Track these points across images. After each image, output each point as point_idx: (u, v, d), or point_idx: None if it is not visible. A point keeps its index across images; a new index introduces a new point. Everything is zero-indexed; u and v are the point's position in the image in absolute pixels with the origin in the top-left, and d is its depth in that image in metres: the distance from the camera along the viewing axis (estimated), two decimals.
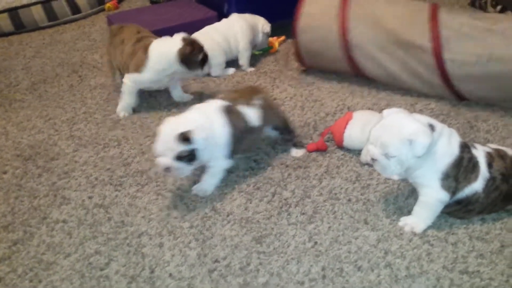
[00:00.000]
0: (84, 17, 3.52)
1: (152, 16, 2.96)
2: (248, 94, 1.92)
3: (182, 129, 1.64)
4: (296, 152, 1.97)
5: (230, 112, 1.80)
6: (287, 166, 1.90)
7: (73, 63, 2.87)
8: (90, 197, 1.80)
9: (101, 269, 1.50)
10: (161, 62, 2.16)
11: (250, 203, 1.72)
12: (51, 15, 3.40)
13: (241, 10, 2.76)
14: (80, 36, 3.24)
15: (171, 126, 1.67)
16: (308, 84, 2.47)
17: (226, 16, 2.75)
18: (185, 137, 1.63)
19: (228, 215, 1.68)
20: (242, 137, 1.81)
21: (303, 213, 1.67)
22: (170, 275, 1.46)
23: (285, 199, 1.73)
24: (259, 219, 1.65)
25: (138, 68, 2.19)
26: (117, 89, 2.38)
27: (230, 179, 1.84)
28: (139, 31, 2.34)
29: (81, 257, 1.54)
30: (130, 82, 2.24)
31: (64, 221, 1.70)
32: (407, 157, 1.45)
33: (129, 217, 1.69)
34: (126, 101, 2.29)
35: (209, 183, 1.80)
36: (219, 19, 2.77)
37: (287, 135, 2.00)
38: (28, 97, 2.55)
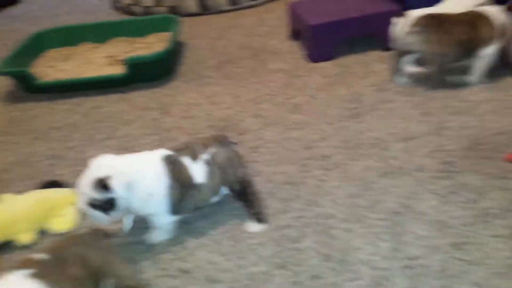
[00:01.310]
0: (262, 4, 3.74)
1: (334, 5, 2.97)
2: (203, 143, 1.64)
3: (103, 173, 1.48)
4: (253, 226, 1.66)
5: (173, 163, 1.60)
6: (485, 173, 1.80)
7: (254, 47, 3.07)
8: (278, 173, 1.93)
9: (294, 242, 1.60)
10: None
11: (444, 206, 1.69)
12: (233, 0, 3.68)
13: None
14: (259, 22, 3.45)
15: (95, 166, 1.51)
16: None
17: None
18: (102, 184, 1.47)
19: (419, 214, 1.66)
20: (184, 194, 1.61)
21: (507, 227, 1.58)
22: (363, 262, 1.50)
23: (484, 209, 1.66)
24: (455, 224, 1.61)
25: None
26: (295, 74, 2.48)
27: (420, 179, 1.81)
28: None
29: (276, 227, 1.67)
30: None
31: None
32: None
33: (317, 198, 1.78)
34: None
35: (157, 235, 1.68)
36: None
37: (246, 202, 1.68)
38: (215, 75, 2.80)
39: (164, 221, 1.64)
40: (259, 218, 1.67)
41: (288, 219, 1.70)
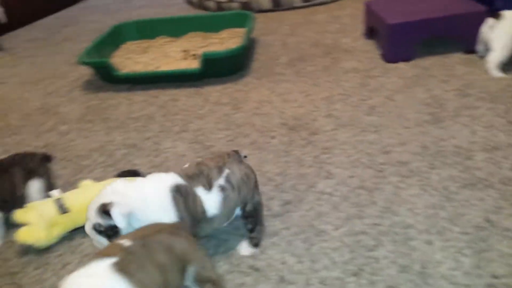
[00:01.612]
0: (335, 1, 3.67)
1: (413, 4, 2.87)
2: (217, 166, 1.53)
3: (106, 199, 1.46)
4: (246, 250, 1.61)
5: (184, 196, 1.49)
6: None
7: (326, 45, 3.03)
8: (351, 176, 1.89)
9: (370, 250, 1.56)
10: None
11: None
12: None
13: None
14: (331, 19, 3.39)
15: (105, 192, 1.49)
16: None
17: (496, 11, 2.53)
18: (104, 210, 1.46)
19: (505, 230, 1.56)
20: (195, 226, 1.52)
21: None
22: (443, 276, 1.43)
23: None
24: None
25: None
26: (370, 74, 2.41)
27: (506, 192, 1.70)
28: None
29: (350, 233, 1.63)
30: None
31: (330, 194, 1.81)
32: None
33: (394, 206, 1.72)
34: None
35: None
36: (487, 15, 2.57)
37: (251, 224, 1.60)
38: (287, 72, 2.78)
39: None
40: (256, 243, 1.62)
41: (363, 225, 1.66)
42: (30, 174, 1.88)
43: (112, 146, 2.32)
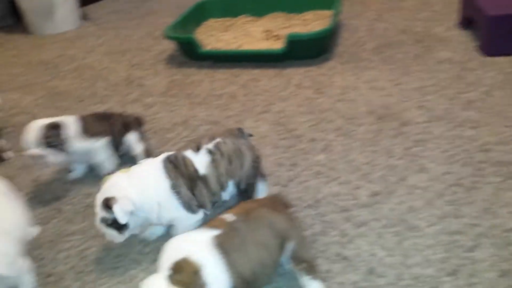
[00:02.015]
0: None
1: None
2: (210, 136, 1.60)
3: (109, 193, 1.47)
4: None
5: (173, 161, 1.54)
6: None
7: (416, 32, 2.88)
8: (447, 173, 1.78)
9: (467, 251, 1.47)
10: None
11: None
12: None
13: None
14: (422, 6, 3.22)
15: (107, 184, 1.50)
16: None
17: None
18: (107, 204, 1.46)
19: None
20: (193, 188, 1.53)
21: None
22: None
23: None
24: None
25: None
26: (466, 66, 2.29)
27: None
28: None
29: (445, 231, 1.54)
30: None
31: (423, 189, 1.73)
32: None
33: (494, 207, 1.61)
34: None
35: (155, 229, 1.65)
36: None
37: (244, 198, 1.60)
38: (374, 58, 2.68)
39: (188, 223, 1.57)
40: None
41: (460, 225, 1.56)
42: (127, 127, 2.06)
43: (195, 122, 2.35)
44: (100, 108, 2.54)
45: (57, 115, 2.50)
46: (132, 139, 2.04)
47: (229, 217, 1.30)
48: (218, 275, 1.21)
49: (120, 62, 3.10)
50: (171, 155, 1.57)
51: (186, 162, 1.55)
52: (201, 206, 1.57)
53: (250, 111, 2.37)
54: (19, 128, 2.49)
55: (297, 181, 1.85)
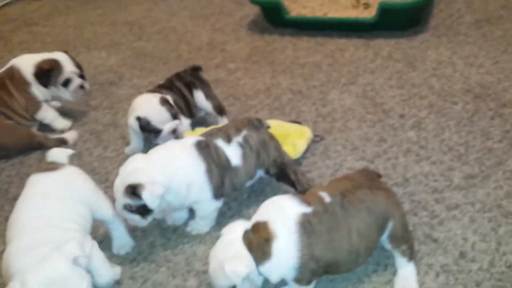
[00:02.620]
0: None
1: None
2: (236, 127, 1.61)
3: (133, 180, 1.42)
4: None
5: (207, 147, 1.54)
6: None
7: None
8: None
9: None
10: None
11: None
12: None
13: None
14: None
15: (126, 170, 1.46)
16: None
17: None
18: (132, 192, 1.42)
19: None
20: (224, 176, 1.54)
21: None
22: None
23: None
24: None
25: None
26: None
27: None
28: None
29: None
30: None
31: None
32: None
33: None
34: None
35: (201, 224, 1.62)
36: None
37: (290, 182, 1.63)
38: (471, 33, 2.49)
39: (209, 208, 1.57)
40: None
41: None
42: (190, 86, 2.09)
43: (278, 90, 2.33)
44: None
45: (143, 77, 2.61)
46: (199, 98, 2.06)
47: (325, 196, 1.27)
48: (287, 252, 1.21)
49: (203, 27, 3.12)
50: (201, 140, 1.56)
51: (219, 151, 1.55)
52: (224, 195, 1.59)
53: (335, 82, 2.31)
54: (106, 86, 2.61)
55: (385, 157, 1.79)
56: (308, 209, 1.24)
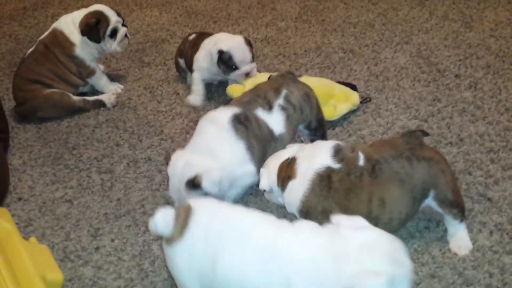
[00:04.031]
0: None
1: None
2: (274, 88, 1.52)
3: (189, 174, 1.41)
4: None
5: (245, 121, 1.46)
6: None
7: None
8: None
9: None
10: None
11: None
12: None
13: None
14: None
15: (178, 169, 1.44)
16: None
17: None
18: (193, 185, 1.41)
19: None
20: (267, 148, 1.48)
21: None
22: None
23: None
24: None
25: None
26: None
27: None
28: None
29: None
30: None
31: None
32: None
33: None
34: None
35: (232, 192, 1.53)
36: None
37: (324, 135, 1.61)
38: None
39: (250, 180, 1.52)
40: None
41: None
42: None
43: (329, 49, 2.31)
44: (235, 30, 2.60)
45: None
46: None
47: (361, 159, 1.24)
48: (295, 193, 1.28)
49: None
50: (240, 114, 1.47)
51: (260, 124, 1.48)
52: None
53: (388, 41, 2.26)
54: (158, 43, 2.66)
55: (439, 116, 1.77)
56: (335, 166, 1.25)
